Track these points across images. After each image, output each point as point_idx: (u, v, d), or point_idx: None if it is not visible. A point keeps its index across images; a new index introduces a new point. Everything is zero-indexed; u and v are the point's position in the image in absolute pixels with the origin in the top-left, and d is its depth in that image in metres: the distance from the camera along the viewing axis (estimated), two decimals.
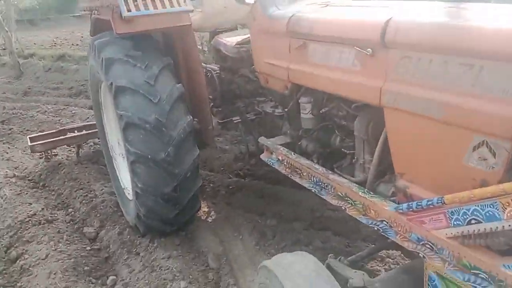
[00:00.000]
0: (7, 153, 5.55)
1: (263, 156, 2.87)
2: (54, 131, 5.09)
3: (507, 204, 1.33)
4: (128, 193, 3.50)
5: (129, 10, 2.63)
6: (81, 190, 4.20)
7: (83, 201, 4.01)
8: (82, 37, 14.32)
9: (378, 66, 1.85)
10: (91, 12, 3.49)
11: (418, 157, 1.78)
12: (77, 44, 14.14)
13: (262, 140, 2.85)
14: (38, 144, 4.75)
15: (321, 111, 2.46)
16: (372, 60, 1.89)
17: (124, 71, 2.82)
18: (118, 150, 3.84)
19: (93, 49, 3.12)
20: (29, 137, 4.93)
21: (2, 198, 4.09)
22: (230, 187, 4.15)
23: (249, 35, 3.13)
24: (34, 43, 15.25)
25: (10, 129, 6.57)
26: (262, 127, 3.32)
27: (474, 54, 1.46)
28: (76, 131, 5.01)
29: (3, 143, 6.01)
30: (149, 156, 2.81)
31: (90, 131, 4.88)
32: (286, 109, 2.80)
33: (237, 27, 3.77)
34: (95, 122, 4.27)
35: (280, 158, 2.65)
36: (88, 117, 6.51)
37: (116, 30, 2.79)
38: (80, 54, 11.33)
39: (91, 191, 4.17)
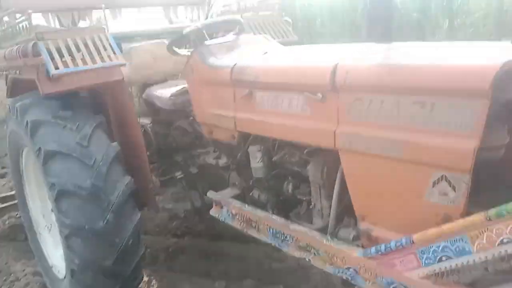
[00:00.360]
0: None
1: (212, 212, 2.83)
2: None
3: (476, 236, 1.43)
4: (58, 272, 3.26)
5: (56, 68, 2.56)
6: None
7: (2, 287, 3.66)
8: None
9: (330, 110, 1.94)
10: (8, 72, 3.35)
11: (379, 198, 1.86)
12: None
13: (211, 194, 2.83)
14: None
15: (272, 159, 2.50)
16: (323, 105, 1.98)
17: (53, 134, 2.69)
18: (43, 223, 3.58)
19: (14, 112, 2.97)
20: None
21: None
22: (170, 249, 4.03)
23: (183, 86, 3.16)
24: None
25: None
26: (206, 181, 3.29)
27: (425, 92, 1.59)
28: None
29: None
30: (86, 227, 2.64)
31: (6, 204, 4.54)
32: (232, 160, 2.82)
33: (167, 78, 3.79)
34: (12, 193, 4.00)
35: (232, 212, 2.64)
36: None
37: (42, 91, 2.68)
38: None
39: (11, 273, 3.83)
